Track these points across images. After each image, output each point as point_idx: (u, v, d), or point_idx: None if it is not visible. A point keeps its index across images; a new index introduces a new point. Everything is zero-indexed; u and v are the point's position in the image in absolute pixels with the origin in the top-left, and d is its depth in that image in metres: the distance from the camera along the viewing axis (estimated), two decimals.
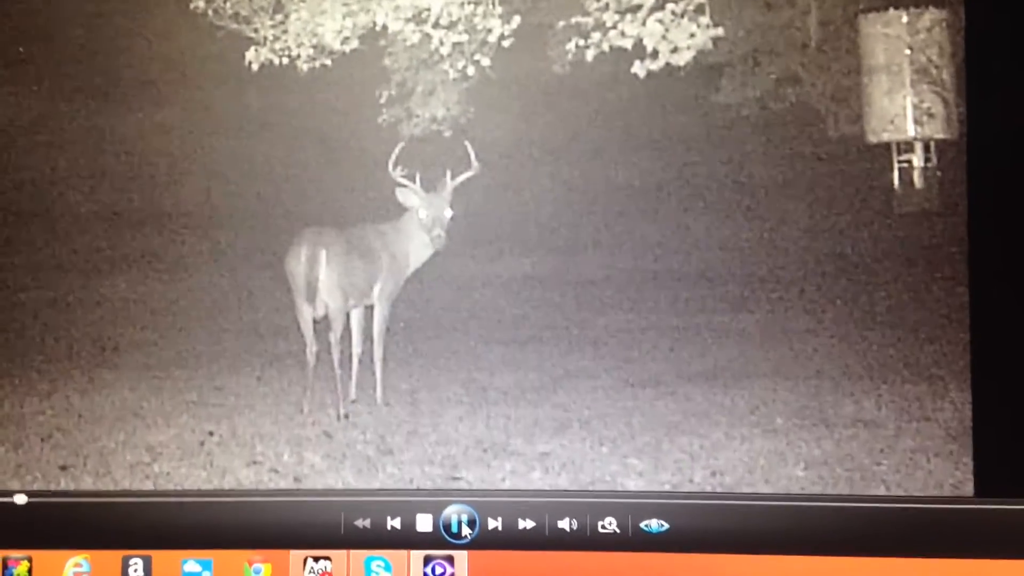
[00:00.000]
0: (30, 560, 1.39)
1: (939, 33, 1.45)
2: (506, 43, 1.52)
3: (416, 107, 1.56)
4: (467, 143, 1.53)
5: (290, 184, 1.55)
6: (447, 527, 1.38)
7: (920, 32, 1.46)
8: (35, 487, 1.46)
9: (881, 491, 1.38)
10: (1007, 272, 1.36)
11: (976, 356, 1.36)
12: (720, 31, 1.49)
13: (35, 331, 1.54)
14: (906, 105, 1.47)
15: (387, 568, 1.37)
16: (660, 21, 1.50)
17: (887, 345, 1.44)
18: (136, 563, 1.39)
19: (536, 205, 1.52)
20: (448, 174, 1.54)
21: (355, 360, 1.58)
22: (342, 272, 1.56)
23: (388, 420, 1.52)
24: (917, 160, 1.47)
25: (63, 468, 1.48)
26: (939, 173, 1.45)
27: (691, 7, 1.50)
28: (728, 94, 1.50)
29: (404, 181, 1.55)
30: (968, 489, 1.35)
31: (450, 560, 1.37)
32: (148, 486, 1.47)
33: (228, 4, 1.57)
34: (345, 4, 1.57)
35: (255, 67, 1.56)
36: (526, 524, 1.36)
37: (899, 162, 1.47)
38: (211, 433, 1.52)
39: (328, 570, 1.37)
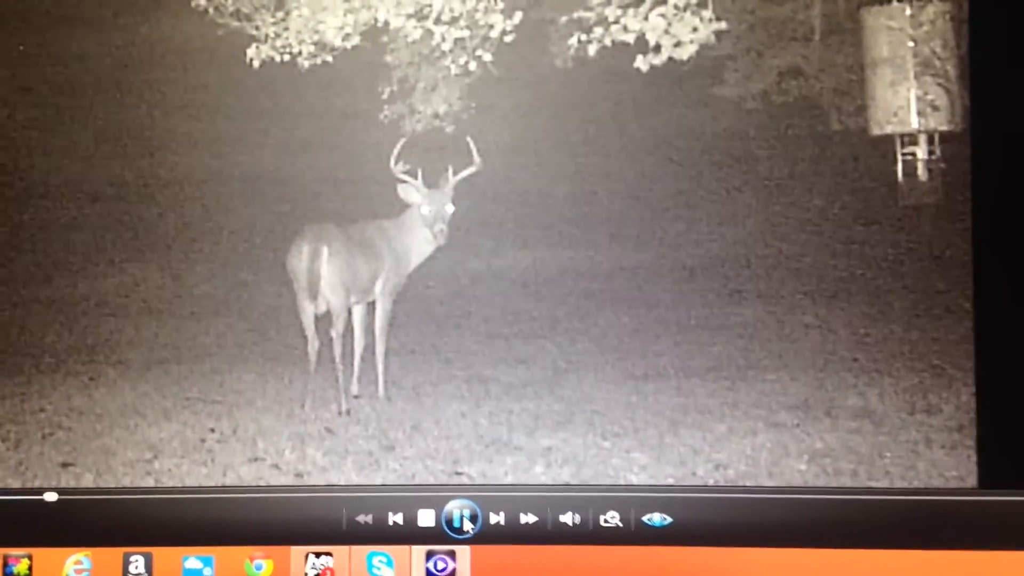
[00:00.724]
0: (30, 558, 1.39)
1: (942, 25, 1.45)
2: (508, 39, 1.52)
3: (418, 103, 1.56)
4: (469, 139, 1.52)
5: (291, 181, 1.55)
6: (449, 522, 1.37)
7: (923, 24, 1.46)
8: (36, 484, 1.46)
9: (885, 483, 1.37)
10: (1011, 264, 1.36)
11: (980, 348, 1.36)
12: (723, 25, 1.49)
13: (35, 328, 1.54)
14: (910, 97, 1.47)
15: (389, 564, 1.37)
16: (663, 15, 1.50)
17: (891, 337, 1.44)
18: (137, 560, 1.38)
19: (538, 200, 1.52)
20: (450, 170, 1.54)
21: (357, 356, 1.58)
22: (344, 268, 1.56)
23: (390, 415, 1.52)
24: (921, 152, 1.47)
25: (64, 465, 1.48)
26: (943, 165, 1.45)
27: (694, 1, 1.50)
28: (731, 88, 1.50)
29: (405, 177, 1.54)
30: (972, 481, 1.35)
31: (452, 555, 1.37)
32: (149, 483, 1.46)
33: (229, 1, 1.56)
34: (346, 1, 1.57)
35: (256, 64, 1.56)
36: (528, 519, 1.36)
37: (903, 154, 1.47)
38: (212, 430, 1.52)
39: (330, 566, 1.37)
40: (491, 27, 1.53)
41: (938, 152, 1.46)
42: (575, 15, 1.51)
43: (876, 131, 1.48)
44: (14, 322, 1.54)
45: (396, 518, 1.38)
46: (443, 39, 1.56)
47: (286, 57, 1.57)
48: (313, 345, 1.56)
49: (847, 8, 1.48)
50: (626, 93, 1.51)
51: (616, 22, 1.51)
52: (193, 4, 1.54)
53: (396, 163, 1.54)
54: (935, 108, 1.46)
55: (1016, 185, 1.35)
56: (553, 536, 1.35)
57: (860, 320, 1.45)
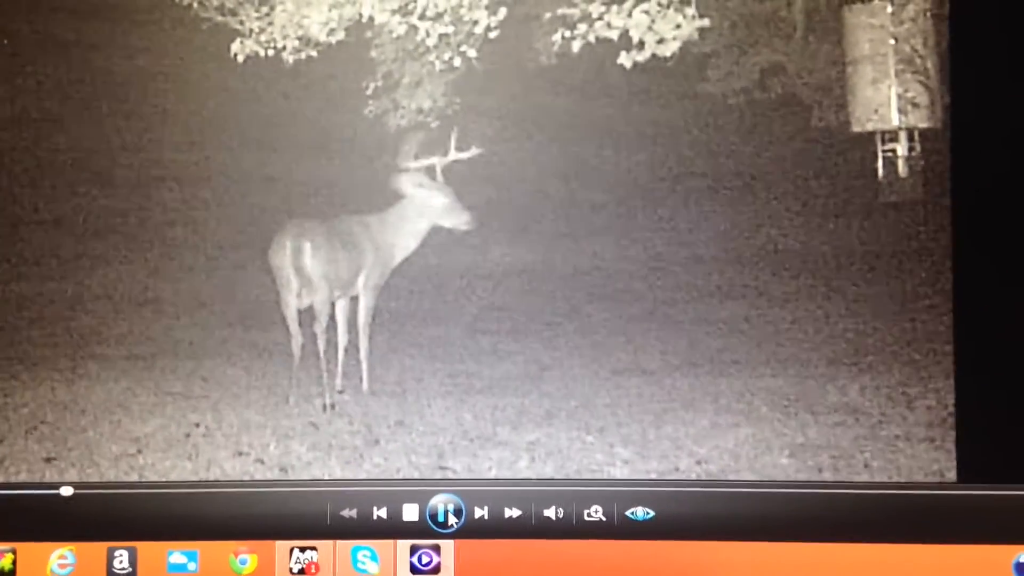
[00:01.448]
0: (14, 552, 1.39)
1: (924, 23, 1.45)
2: (492, 34, 1.52)
3: (402, 98, 1.56)
4: (453, 133, 1.53)
5: (276, 176, 1.55)
6: (433, 516, 1.38)
7: (905, 22, 1.46)
8: (20, 479, 1.46)
9: (865, 478, 1.38)
10: (990, 260, 1.37)
11: (959, 343, 1.37)
12: (706, 22, 1.49)
13: (19, 323, 1.54)
14: (891, 95, 1.48)
15: (373, 558, 1.37)
16: (646, 12, 1.51)
17: (871, 333, 1.45)
18: (121, 555, 1.38)
19: (522, 196, 1.52)
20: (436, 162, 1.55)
21: (340, 351, 1.58)
22: (326, 263, 1.56)
23: (374, 410, 1.52)
24: (901, 149, 1.47)
25: (48, 460, 1.48)
26: (923, 162, 1.45)
27: None
28: (714, 84, 1.51)
29: (414, 165, 1.55)
30: (951, 475, 1.36)
31: (436, 549, 1.37)
32: (133, 477, 1.46)
33: None
34: None
35: (241, 59, 1.56)
36: (512, 513, 1.37)
37: (884, 151, 1.48)
38: (197, 424, 1.52)
39: (314, 560, 1.37)
40: (475, 23, 1.53)
41: (918, 149, 1.47)
42: (559, 11, 1.51)
43: (857, 128, 1.49)
44: None
45: (380, 512, 1.38)
46: (428, 35, 1.56)
47: (271, 52, 1.57)
48: (297, 340, 1.56)
49: (829, 6, 1.48)
50: (610, 89, 1.51)
51: (600, 18, 1.51)
52: None
53: (416, 158, 1.54)
54: (915, 105, 1.47)
55: (995, 182, 1.36)
56: (537, 530, 1.36)
57: (841, 315, 1.46)
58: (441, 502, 1.38)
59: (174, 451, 1.49)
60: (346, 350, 1.58)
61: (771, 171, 1.48)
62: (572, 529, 1.36)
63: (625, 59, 1.51)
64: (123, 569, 1.38)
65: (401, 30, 1.56)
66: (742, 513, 1.35)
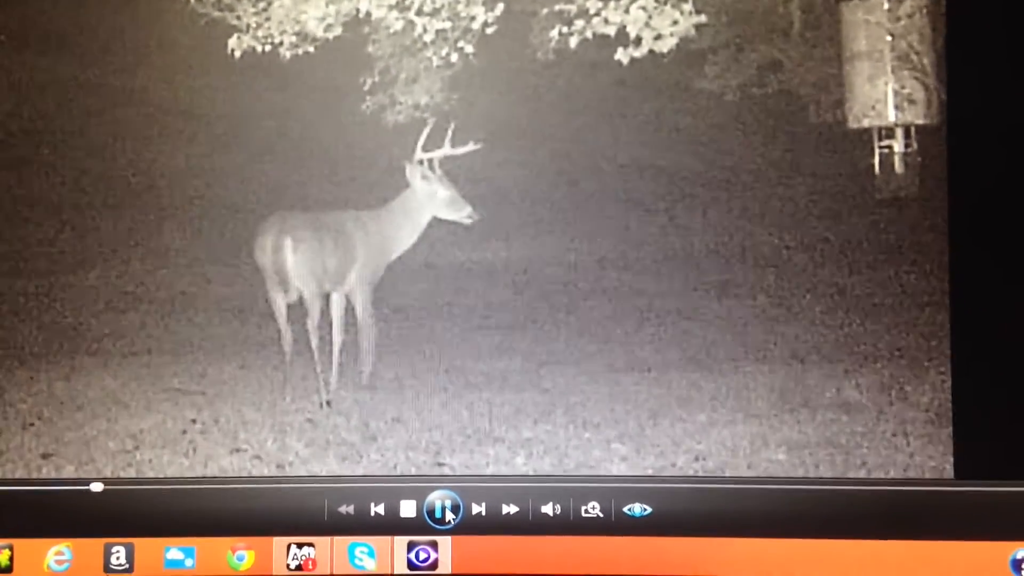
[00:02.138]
0: (11, 549, 1.38)
1: (920, 19, 1.46)
2: (489, 30, 1.52)
3: (399, 94, 1.56)
4: (450, 129, 1.52)
5: (272, 171, 1.55)
6: (431, 513, 1.38)
7: (901, 18, 1.46)
8: (17, 475, 1.46)
9: (862, 474, 1.39)
10: (986, 256, 1.37)
11: (956, 339, 1.38)
12: (703, 18, 1.49)
13: (15, 319, 1.53)
14: (887, 91, 1.48)
15: (371, 554, 1.37)
16: (643, 8, 1.51)
17: (868, 329, 1.45)
18: (118, 551, 1.38)
19: (518, 192, 1.52)
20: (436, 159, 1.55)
21: (336, 347, 1.57)
22: (312, 257, 1.56)
23: (372, 407, 1.52)
24: (898, 146, 1.48)
25: (44, 456, 1.48)
26: (920, 159, 1.45)
27: None
28: (711, 81, 1.51)
29: (420, 157, 1.55)
30: (948, 471, 1.37)
31: (434, 545, 1.37)
32: (130, 474, 1.46)
33: None
34: None
35: (237, 54, 1.55)
36: (510, 509, 1.37)
37: (880, 148, 1.48)
38: (193, 420, 1.51)
39: (311, 556, 1.37)
40: (473, 19, 1.53)
41: (915, 145, 1.47)
42: (556, 7, 1.51)
43: (854, 124, 1.49)
44: None
45: (378, 509, 1.38)
46: (425, 30, 1.55)
47: (267, 48, 1.57)
48: (287, 336, 1.56)
49: (826, 2, 1.48)
50: (607, 85, 1.51)
51: (597, 15, 1.51)
52: None
53: (423, 151, 1.54)
54: (912, 102, 1.47)
55: (992, 178, 1.36)
56: (534, 527, 1.36)
57: (838, 312, 1.46)
58: (438, 498, 1.38)
59: (171, 447, 1.48)
60: (342, 346, 1.58)
61: (768, 167, 1.48)
62: (569, 525, 1.36)
63: (622, 55, 1.51)
64: (120, 565, 1.38)
65: (398, 26, 1.55)
66: (739, 509, 1.35)
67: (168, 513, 1.39)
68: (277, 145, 1.54)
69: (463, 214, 1.55)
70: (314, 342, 1.56)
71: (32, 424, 1.51)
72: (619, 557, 1.35)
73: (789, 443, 1.42)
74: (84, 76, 1.55)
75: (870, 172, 1.47)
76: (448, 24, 1.54)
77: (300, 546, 1.37)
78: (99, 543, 1.38)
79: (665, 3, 1.50)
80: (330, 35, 1.56)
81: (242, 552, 1.37)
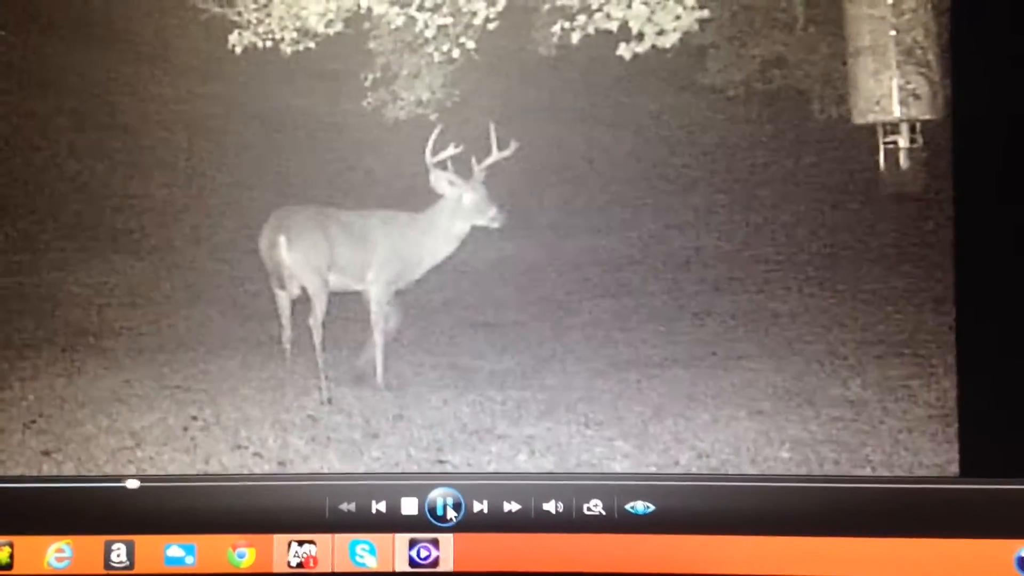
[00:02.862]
0: (11, 546, 1.38)
1: (924, 14, 1.45)
2: (491, 26, 1.52)
3: (401, 90, 1.56)
4: (491, 126, 1.52)
5: (274, 168, 1.55)
6: (432, 510, 1.37)
7: (905, 13, 1.46)
8: (17, 472, 1.45)
9: (867, 472, 1.38)
10: (992, 252, 1.36)
11: (961, 337, 1.37)
12: (706, 13, 1.49)
13: (17, 317, 1.53)
14: (892, 86, 1.48)
15: (372, 552, 1.37)
16: (646, 3, 1.50)
17: (873, 326, 1.45)
18: (119, 548, 1.38)
19: (520, 189, 1.52)
20: (473, 159, 1.54)
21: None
22: (311, 253, 1.55)
23: (374, 404, 1.51)
24: (903, 141, 1.47)
25: (46, 453, 1.47)
26: (925, 154, 1.45)
27: None
28: (714, 76, 1.50)
29: (438, 163, 1.54)
30: (953, 469, 1.36)
31: (435, 543, 1.37)
32: (131, 471, 1.46)
33: None
34: None
35: (239, 50, 1.55)
36: (512, 507, 1.36)
37: (885, 143, 1.48)
38: (195, 418, 1.51)
39: (312, 554, 1.37)
40: (474, 14, 1.52)
41: (919, 141, 1.47)
42: (558, 3, 1.51)
43: (859, 120, 1.49)
44: None
45: (379, 506, 1.37)
46: (426, 26, 1.55)
47: (268, 43, 1.56)
48: (287, 332, 1.55)
49: None
50: (609, 81, 1.51)
51: (599, 10, 1.51)
52: None
53: (434, 153, 1.53)
54: (917, 97, 1.47)
55: (996, 173, 1.36)
56: (536, 524, 1.36)
57: (842, 309, 1.46)
58: (440, 496, 1.38)
59: (172, 445, 1.48)
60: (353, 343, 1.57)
61: (772, 163, 1.48)
62: (572, 523, 1.35)
63: (624, 50, 1.51)
64: (120, 562, 1.37)
65: (399, 21, 1.55)
66: (742, 507, 1.34)
67: (168, 510, 1.39)
68: (278, 141, 1.54)
69: (488, 216, 1.55)
70: (316, 340, 1.56)
71: (33, 422, 1.50)
72: (621, 555, 1.34)
73: (793, 441, 1.42)
74: (86, 72, 1.54)
75: (875, 167, 1.47)
76: (449, 20, 1.53)
77: (301, 543, 1.37)
78: (99, 540, 1.38)
79: None
80: (331, 31, 1.56)
81: (243, 549, 1.37)
